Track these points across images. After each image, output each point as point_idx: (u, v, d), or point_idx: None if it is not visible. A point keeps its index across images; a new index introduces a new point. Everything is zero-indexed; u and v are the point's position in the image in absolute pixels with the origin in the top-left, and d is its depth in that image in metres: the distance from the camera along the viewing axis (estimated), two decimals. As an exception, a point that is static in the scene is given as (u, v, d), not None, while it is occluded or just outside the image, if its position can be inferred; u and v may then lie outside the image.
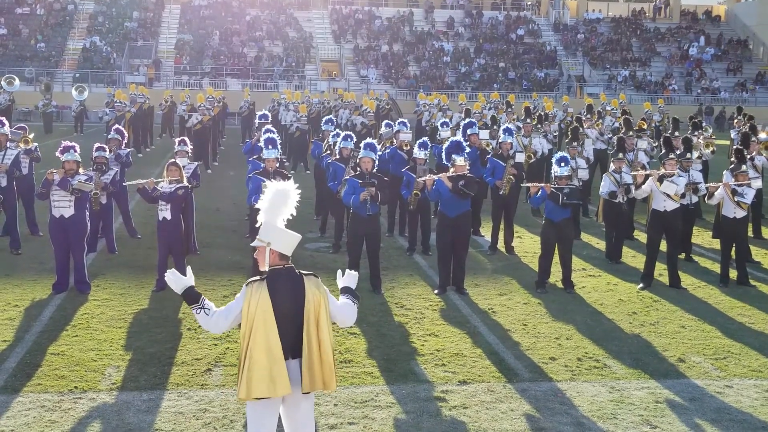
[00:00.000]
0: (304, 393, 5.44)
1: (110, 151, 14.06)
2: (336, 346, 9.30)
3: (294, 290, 5.46)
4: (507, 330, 10.16)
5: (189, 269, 5.77)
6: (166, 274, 5.62)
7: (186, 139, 14.38)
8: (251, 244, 5.63)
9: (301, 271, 5.59)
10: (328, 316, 5.55)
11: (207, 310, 5.52)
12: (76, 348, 9.08)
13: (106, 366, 8.58)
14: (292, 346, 5.43)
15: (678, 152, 13.92)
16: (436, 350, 9.32)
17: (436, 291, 11.76)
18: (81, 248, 11.18)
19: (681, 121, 21.16)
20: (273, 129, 14.13)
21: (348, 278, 5.92)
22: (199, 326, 9.84)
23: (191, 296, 5.55)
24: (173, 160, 12.01)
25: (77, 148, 11.55)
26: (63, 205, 11.06)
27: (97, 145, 13.61)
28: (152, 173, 20.24)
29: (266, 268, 5.50)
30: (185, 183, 11.61)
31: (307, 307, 5.43)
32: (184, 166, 12.31)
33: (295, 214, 5.68)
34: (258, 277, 5.51)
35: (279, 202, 5.59)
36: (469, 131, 15.77)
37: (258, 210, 5.65)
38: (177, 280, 5.59)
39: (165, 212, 11.30)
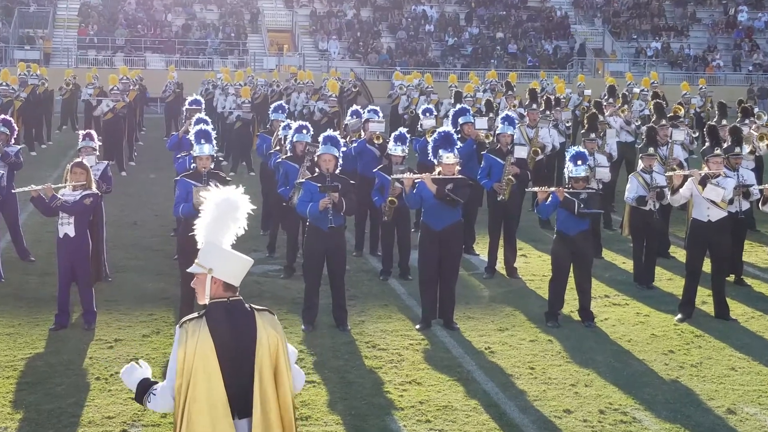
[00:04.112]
0: None
1: (-6, 149, 13.96)
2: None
3: (243, 329, 5.43)
4: (509, 375, 10.18)
5: (144, 363, 5.76)
6: (122, 371, 5.62)
7: (93, 132, 14.29)
8: (188, 270, 5.62)
9: (253, 306, 5.57)
10: (288, 363, 5.53)
11: (154, 390, 5.54)
12: (-49, 404, 8.99)
13: (-10, 428, 8.50)
14: (241, 402, 5.39)
15: (725, 146, 14.04)
16: (418, 402, 9.32)
17: (417, 326, 11.76)
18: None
19: (728, 107, 21.35)
20: (207, 118, 14.08)
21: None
22: (111, 375, 9.77)
23: (144, 387, 5.57)
24: (78, 159, 11.94)
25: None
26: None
27: (-23, 140, 13.51)
28: (50, 177, 20.07)
29: (206, 301, 5.47)
30: (93, 189, 11.54)
31: (260, 351, 5.40)
32: (91, 167, 12.23)
33: (246, 229, 5.65)
34: (195, 314, 5.48)
35: (225, 216, 5.57)
36: (461, 120, 15.82)
37: (188, 223, 5.62)
38: (129, 372, 5.62)
39: (67, 227, 11.22)
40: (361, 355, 10.71)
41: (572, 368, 10.44)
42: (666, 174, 13.73)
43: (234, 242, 5.60)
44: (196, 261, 5.52)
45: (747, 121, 18.84)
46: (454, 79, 33.91)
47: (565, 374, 10.25)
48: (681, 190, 12.66)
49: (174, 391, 5.42)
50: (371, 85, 41.77)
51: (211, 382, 5.33)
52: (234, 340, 5.41)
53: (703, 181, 12.27)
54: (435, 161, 11.81)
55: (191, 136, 12.32)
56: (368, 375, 10.09)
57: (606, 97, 25.29)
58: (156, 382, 5.59)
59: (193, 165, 12.08)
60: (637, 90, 29.96)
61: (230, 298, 5.49)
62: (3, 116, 15.78)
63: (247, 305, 5.55)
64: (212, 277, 5.46)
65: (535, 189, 12.60)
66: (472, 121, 16.05)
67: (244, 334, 5.43)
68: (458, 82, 34.59)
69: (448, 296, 11.80)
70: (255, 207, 5.70)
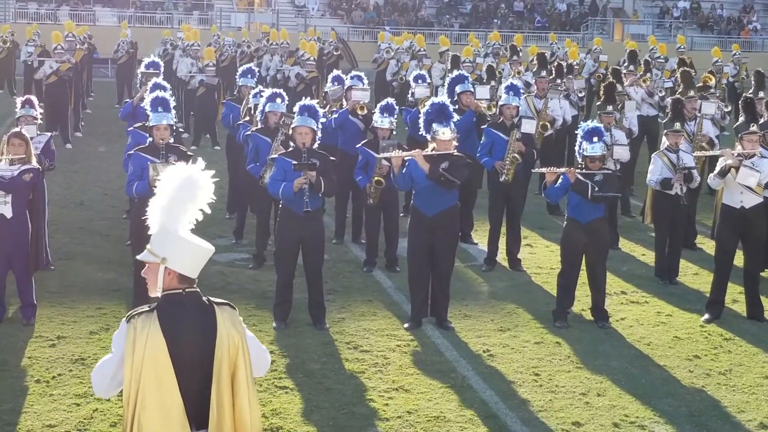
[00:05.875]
0: None
1: None
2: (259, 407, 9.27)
3: (201, 327, 5.44)
4: (511, 382, 10.21)
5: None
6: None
7: (34, 98, 14.25)
8: (138, 258, 5.61)
9: (211, 299, 5.57)
10: (249, 367, 5.53)
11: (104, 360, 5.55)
12: None
13: None
14: (197, 411, 5.40)
15: (761, 121, 14.08)
16: (405, 412, 9.35)
17: (406, 324, 11.78)
18: None
19: (766, 76, 21.40)
20: (165, 84, 14.05)
21: None
22: (53, 378, 9.75)
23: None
24: (16, 129, 11.92)
25: None
26: None
27: None
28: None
29: (158, 294, 5.48)
30: (34, 163, 11.53)
31: (219, 352, 5.40)
32: (31, 138, 12.22)
33: (208, 211, 5.64)
34: (146, 308, 5.48)
35: (184, 197, 5.56)
36: (458, 88, 15.80)
37: (142, 204, 5.62)
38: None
39: (3, 207, 11.19)
40: (341, 358, 10.72)
41: (583, 375, 10.47)
42: (694, 153, 13.75)
43: (193, 227, 5.58)
44: (147, 247, 5.51)
45: (788, 94, 18.89)
46: (446, 42, 33.32)
47: (574, 382, 10.28)
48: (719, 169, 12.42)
49: (113, 379, 5.45)
50: (355, 47, 41.71)
51: (164, 388, 5.32)
52: (190, 340, 5.40)
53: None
54: (428, 136, 11.81)
55: (147, 104, 12.30)
56: (349, 380, 10.10)
57: (626, 64, 25.29)
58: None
59: (150, 138, 12.06)
60: (660, 57, 29.92)
61: (186, 290, 5.49)
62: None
63: (204, 298, 5.54)
64: (165, 267, 5.47)
65: (543, 169, 12.61)
66: (472, 90, 16.03)
67: (201, 333, 5.43)
68: (453, 45, 34.49)
69: (441, 291, 11.81)
70: (219, 187, 5.69)
